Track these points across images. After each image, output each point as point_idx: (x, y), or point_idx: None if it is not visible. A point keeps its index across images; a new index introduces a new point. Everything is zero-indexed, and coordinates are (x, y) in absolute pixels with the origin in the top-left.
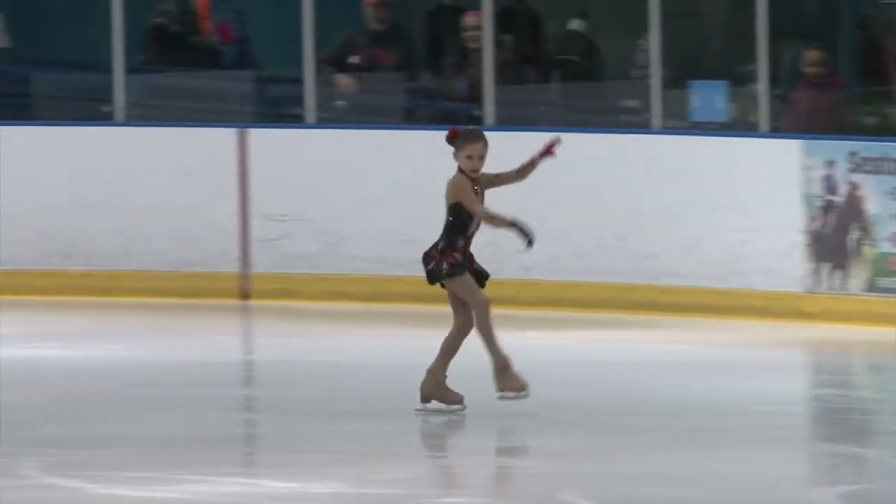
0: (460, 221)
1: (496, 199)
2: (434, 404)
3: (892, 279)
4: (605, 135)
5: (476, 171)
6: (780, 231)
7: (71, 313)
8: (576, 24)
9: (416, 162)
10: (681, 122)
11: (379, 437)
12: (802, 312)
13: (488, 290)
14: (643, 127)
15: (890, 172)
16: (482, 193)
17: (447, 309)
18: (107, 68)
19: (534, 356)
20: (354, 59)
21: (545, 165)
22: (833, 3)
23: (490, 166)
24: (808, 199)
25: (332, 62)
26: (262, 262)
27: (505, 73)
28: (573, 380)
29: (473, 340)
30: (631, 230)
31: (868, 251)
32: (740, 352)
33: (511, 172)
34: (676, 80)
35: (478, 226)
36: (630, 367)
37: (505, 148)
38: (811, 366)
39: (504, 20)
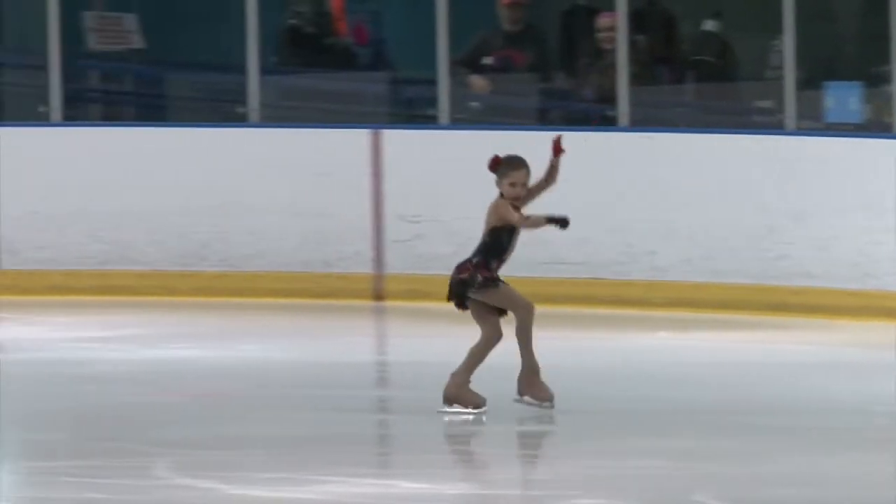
0: (499, 245)
1: (623, 202)
2: (455, 407)
3: None
4: (739, 135)
5: (518, 198)
6: None
7: (205, 314)
8: (710, 25)
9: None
10: (815, 123)
11: (512, 438)
12: None
13: (619, 290)
14: (777, 128)
15: None
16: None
17: (581, 310)
18: (241, 70)
19: (664, 357)
20: (488, 61)
21: (666, 167)
22: None
23: (625, 167)
24: None
25: (466, 63)
26: (395, 263)
27: (639, 74)
28: (704, 381)
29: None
30: (763, 231)
31: None
32: (872, 353)
33: (540, 182)
34: (811, 80)
35: (512, 250)
36: (760, 368)
37: (640, 148)
38: None
39: (638, 21)
